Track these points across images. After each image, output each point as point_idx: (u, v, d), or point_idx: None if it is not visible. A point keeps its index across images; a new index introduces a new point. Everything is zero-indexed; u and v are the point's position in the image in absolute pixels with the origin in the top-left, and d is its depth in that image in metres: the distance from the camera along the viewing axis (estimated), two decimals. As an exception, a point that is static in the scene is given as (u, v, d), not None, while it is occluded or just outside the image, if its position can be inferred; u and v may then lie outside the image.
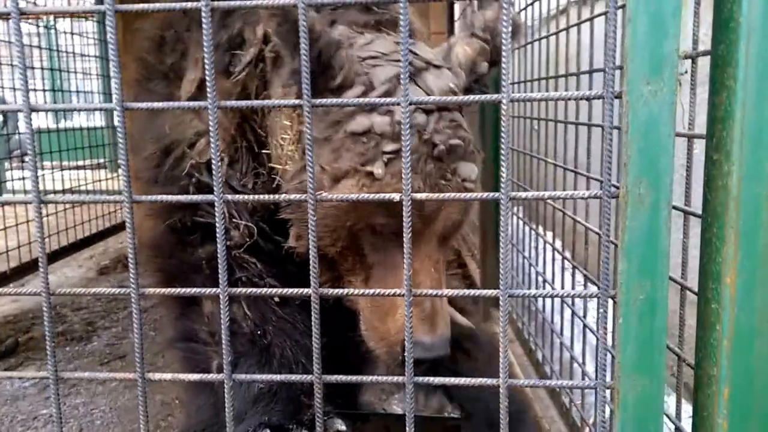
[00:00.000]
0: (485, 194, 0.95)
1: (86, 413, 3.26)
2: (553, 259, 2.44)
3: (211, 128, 0.86)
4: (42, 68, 6.20)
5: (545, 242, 2.43)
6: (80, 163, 6.58)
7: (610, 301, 0.93)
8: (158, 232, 1.66)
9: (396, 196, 0.90)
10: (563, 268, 2.33)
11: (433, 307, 1.34)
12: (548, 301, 2.65)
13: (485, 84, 1.46)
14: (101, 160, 7.20)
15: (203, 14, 0.85)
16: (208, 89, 0.85)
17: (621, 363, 0.92)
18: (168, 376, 1.04)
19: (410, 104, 0.86)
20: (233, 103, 0.92)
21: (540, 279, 2.53)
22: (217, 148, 0.87)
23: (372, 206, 1.30)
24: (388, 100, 1.14)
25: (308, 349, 1.38)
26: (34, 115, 0.92)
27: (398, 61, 1.32)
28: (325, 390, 1.44)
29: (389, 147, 1.28)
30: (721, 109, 0.91)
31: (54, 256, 4.88)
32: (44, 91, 6.33)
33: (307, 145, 0.89)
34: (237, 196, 0.93)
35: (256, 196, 0.99)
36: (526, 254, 2.73)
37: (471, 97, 0.93)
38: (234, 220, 1.54)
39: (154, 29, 1.77)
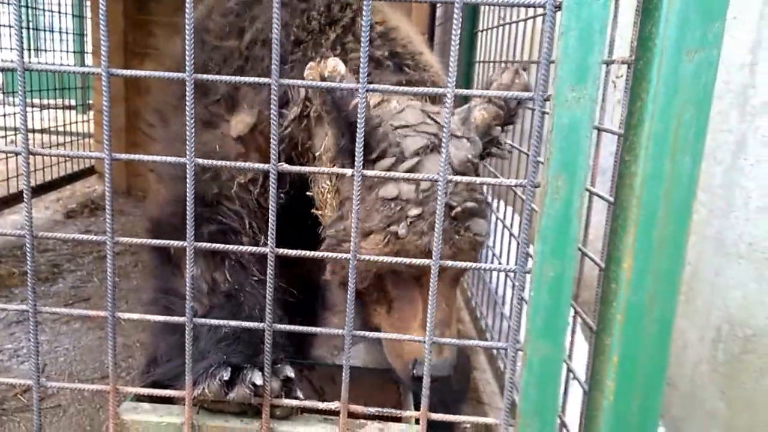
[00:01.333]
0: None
1: (50, 350, 3.37)
2: (510, 234, 2.59)
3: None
4: (8, 2, 6.10)
5: (497, 218, 2.58)
6: (50, 102, 6.54)
7: (528, 276, 1.07)
8: (173, 217, 1.79)
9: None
10: (518, 244, 2.48)
11: (441, 334, 1.50)
12: (495, 273, 2.81)
13: (499, 143, 1.63)
14: (71, 102, 7.14)
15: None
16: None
17: (529, 330, 1.06)
18: (136, 316, 1.16)
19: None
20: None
21: (492, 252, 2.69)
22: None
23: (396, 256, 1.46)
24: (423, 176, 1.39)
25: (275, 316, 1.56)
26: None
27: (425, 132, 1.51)
28: (282, 342, 1.59)
29: (413, 212, 1.46)
30: (635, 116, 1.04)
31: (19, 197, 4.91)
32: (9, 27, 6.23)
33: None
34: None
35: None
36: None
37: (418, 90, 1.04)
38: (255, 236, 1.77)
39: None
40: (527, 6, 1.04)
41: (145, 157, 1.08)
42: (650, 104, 1.00)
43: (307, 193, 1.69)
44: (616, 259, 1.07)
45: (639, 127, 1.03)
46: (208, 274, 1.72)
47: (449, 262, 1.14)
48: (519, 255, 1.05)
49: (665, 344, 1.07)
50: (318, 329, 1.20)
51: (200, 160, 1.03)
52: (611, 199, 1.12)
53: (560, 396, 1.21)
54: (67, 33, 7.02)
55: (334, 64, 1.34)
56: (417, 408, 1.27)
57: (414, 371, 1.50)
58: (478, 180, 1.08)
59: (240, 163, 1.06)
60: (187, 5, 0.96)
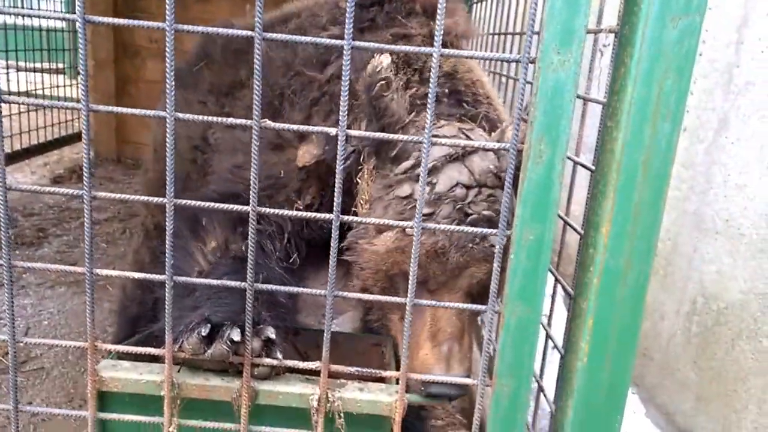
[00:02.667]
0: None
1: (34, 314, 3.36)
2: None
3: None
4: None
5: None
6: (37, 65, 6.43)
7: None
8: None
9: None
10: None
11: (450, 349, 1.50)
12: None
13: None
14: (60, 65, 7.02)
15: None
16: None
17: (508, 292, 1.08)
18: (115, 272, 1.16)
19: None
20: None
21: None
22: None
23: (404, 256, 1.52)
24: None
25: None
26: None
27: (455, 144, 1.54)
28: (269, 309, 1.60)
29: (424, 210, 1.44)
30: (618, 82, 1.05)
31: (6, 160, 4.84)
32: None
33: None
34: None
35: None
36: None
37: (402, 47, 1.04)
38: (288, 253, 1.84)
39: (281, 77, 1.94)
40: (506, 61, 1.03)
41: (124, 110, 1.07)
42: (633, 69, 1.01)
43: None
44: (595, 224, 1.09)
45: (622, 93, 1.04)
46: (222, 240, 1.76)
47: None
48: (501, 219, 1.06)
49: (639, 308, 1.09)
50: (300, 289, 1.20)
51: (181, 114, 1.03)
52: (593, 167, 1.13)
53: (537, 358, 1.23)
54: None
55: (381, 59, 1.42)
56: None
57: (423, 387, 1.45)
58: (463, 143, 1.08)
59: (220, 119, 1.05)
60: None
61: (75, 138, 6.18)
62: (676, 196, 2.18)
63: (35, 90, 6.25)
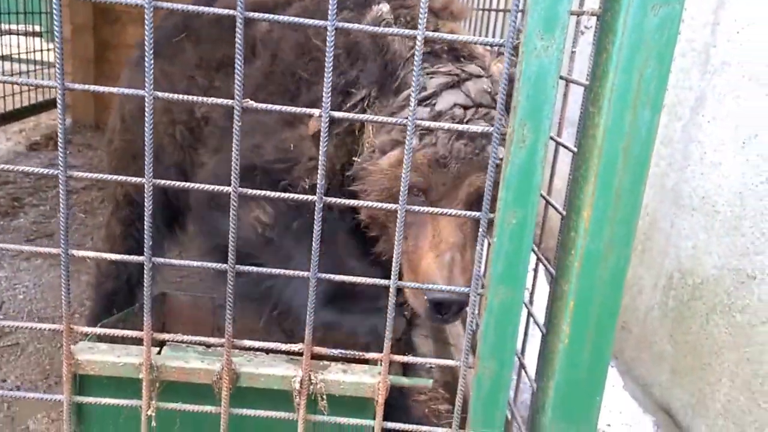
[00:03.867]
0: (391, 119, 1.08)
1: (9, 287, 3.31)
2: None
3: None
4: None
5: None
6: (13, 27, 6.25)
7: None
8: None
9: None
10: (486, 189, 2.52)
11: (453, 258, 1.53)
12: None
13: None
14: (36, 28, 6.82)
15: None
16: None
17: (491, 274, 1.09)
18: (90, 253, 1.15)
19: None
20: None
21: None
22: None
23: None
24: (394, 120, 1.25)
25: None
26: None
27: (451, 74, 1.62)
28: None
29: (424, 125, 1.48)
30: (600, 68, 1.05)
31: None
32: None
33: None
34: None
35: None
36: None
37: (386, 30, 1.04)
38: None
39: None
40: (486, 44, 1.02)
41: (101, 88, 1.05)
42: (615, 56, 1.02)
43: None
44: (577, 207, 1.10)
45: (603, 79, 1.04)
46: (262, 213, 1.80)
47: (416, 207, 1.15)
48: (484, 202, 1.07)
49: (618, 290, 1.11)
50: (282, 270, 1.20)
51: (161, 93, 1.01)
52: (575, 149, 1.14)
53: (519, 339, 1.25)
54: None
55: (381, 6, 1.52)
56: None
57: (427, 297, 1.49)
58: (447, 126, 1.08)
59: (202, 98, 1.04)
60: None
61: (52, 104, 6.04)
62: (655, 173, 2.21)
63: (11, 54, 6.07)
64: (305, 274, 1.13)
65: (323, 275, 1.17)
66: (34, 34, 6.72)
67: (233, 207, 1.08)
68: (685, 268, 2.06)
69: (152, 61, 1.00)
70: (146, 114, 1.03)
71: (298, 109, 1.07)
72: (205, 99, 1.06)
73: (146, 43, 0.99)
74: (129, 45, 6.14)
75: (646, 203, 2.27)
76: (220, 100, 1.05)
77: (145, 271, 1.12)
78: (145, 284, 1.13)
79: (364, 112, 1.72)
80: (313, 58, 1.89)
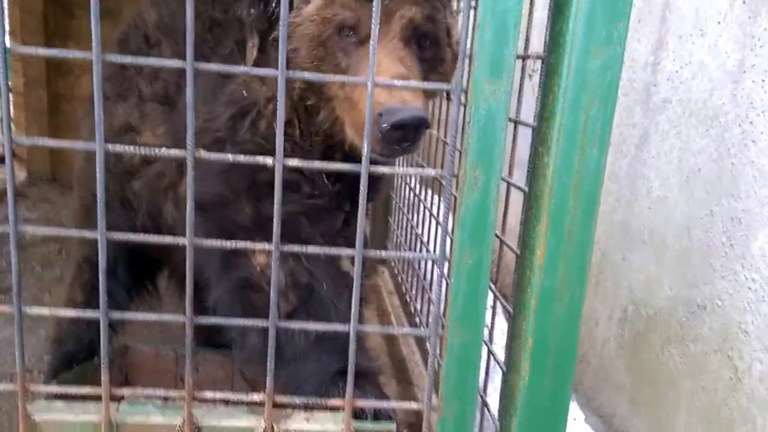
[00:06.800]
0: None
1: (-36, 343, 3.17)
2: (437, 223, 2.64)
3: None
4: None
5: (425, 207, 2.63)
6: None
7: (447, 263, 1.11)
8: (228, 189, 1.70)
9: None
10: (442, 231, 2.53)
11: (401, 89, 1.40)
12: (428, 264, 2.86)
13: None
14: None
15: None
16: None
17: (450, 315, 1.10)
18: (46, 310, 1.12)
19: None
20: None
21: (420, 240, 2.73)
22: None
23: (333, 8, 1.51)
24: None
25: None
26: None
27: None
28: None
29: None
30: (547, 109, 1.09)
31: None
32: None
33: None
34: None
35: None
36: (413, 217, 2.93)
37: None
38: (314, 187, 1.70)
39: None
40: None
41: (52, 143, 1.03)
42: (561, 98, 1.05)
43: None
44: (530, 246, 1.12)
45: (551, 120, 1.08)
46: (285, 263, 1.62)
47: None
48: (441, 243, 1.08)
49: (575, 326, 1.13)
50: (243, 320, 1.18)
51: (110, 146, 1.00)
52: (526, 189, 1.17)
53: (481, 378, 1.26)
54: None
55: None
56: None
57: (383, 124, 1.36)
58: (401, 171, 1.10)
59: (155, 150, 1.03)
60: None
61: (2, 159, 5.91)
62: (604, 209, 2.28)
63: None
64: (263, 323, 1.12)
65: (285, 324, 1.16)
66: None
67: (191, 171, 1.07)
68: (639, 300, 2.11)
69: (101, 114, 0.99)
70: (98, 169, 1.02)
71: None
72: (157, 151, 1.06)
73: (95, 97, 0.99)
74: (83, 97, 6.09)
75: (597, 238, 2.33)
76: (172, 151, 1.04)
77: (101, 326, 1.09)
78: (101, 339, 1.10)
79: None
80: None
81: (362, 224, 1.05)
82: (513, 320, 1.18)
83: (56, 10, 6.08)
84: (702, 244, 1.86)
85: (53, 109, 6.16)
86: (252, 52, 1.68)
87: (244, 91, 1.75)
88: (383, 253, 1.15)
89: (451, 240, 1.10)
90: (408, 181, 3.36)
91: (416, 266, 2.75)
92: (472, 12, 1.08)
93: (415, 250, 2.75)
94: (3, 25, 0.95)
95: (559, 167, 1.07)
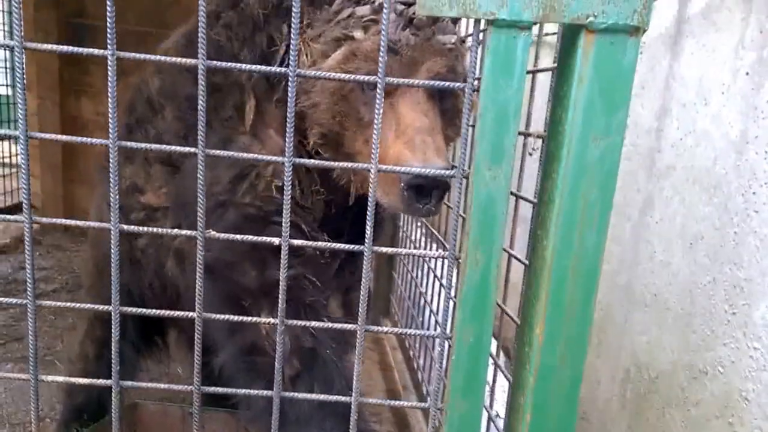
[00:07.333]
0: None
1: (-20, 392, 3.19)
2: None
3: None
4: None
5: (429, 268, 2.67)
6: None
7: (447, 342, 1.14)
8: (231, 253, 1.72)
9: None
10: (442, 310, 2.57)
11: (424, 141, 1.42)
12: (431, 318, 2.90)
13: None
14: (7, 131, 6.96)
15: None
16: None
17: (450, 388, 1.13)
18: (60, 378, 1.16)
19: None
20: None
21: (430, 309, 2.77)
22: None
23: (355, 63, 1.52)
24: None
25: None
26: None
27: None
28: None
29: (367, 15, 1.52)
30: (547, 193, 1.13)
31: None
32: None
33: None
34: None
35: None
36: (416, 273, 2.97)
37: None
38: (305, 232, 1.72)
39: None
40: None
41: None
42: (560, 183, 1.10)
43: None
44: (530, 323, 1.16)
45: (550, 204, 1.12)
46: (289, 328, 1.61)
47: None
48: (441, 321, 1.12)
49: (573, 404, 1.15)
50: (245, 391, 1.21)
51: (126, 226, 1.05)
52: (527, 262, 1.21)
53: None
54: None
55: None
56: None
57: (402, 183, 1.37)
58: (403, 251, 1.14)
59: (167, 231, 1.08)
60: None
61: (19, 208, 6.04)
62: (607, 270, 2.30)
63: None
64: (268, 393, 1.15)
65: (287, 394, 1.19)
66: (5, 138, 6.81)
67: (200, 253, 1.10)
68: (641, 361, 2.12)
69: (117, 201, 1.04)
70: (112, 247, 1.06)
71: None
72: (169, 231, 1.10)
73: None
74: (97, 152, 6.27)
75: (600, 298, 2.35)
76: (184, 231, 1.09)
77: (113, 394, 1.13)
78: (113, 407, 1.14)
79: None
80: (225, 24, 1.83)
81: (364, 302, 1.09)
82: (512, 393, 1.21)
83: (71, 65, 6.28)
84: (704, 310, 1.87)
85: (67, 162, 6.37)
86: (250, 115, 1.74)
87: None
88: (385, 329, 1.18)
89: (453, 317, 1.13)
90: (409, 234, 3.40)
91: (418, 324, 2.78)
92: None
93: (417, 305, 2.78)
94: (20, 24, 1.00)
95: (558, 249, 1.10)
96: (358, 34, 1.53)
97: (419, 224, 3.52)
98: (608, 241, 2.33)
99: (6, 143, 6.89)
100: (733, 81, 1.81)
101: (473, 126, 1.10)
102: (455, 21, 1.64)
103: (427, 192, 1.40)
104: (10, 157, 6.48)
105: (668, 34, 2.06)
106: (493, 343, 1.75)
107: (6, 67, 6.82)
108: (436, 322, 2.70)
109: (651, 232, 2.10)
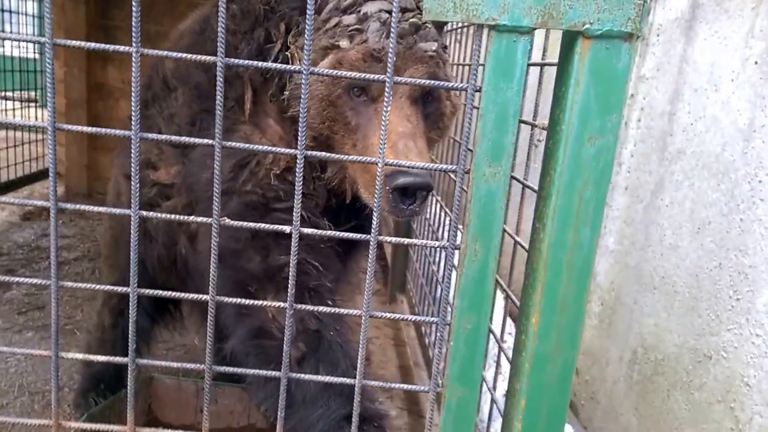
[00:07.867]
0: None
1: (1, 360, 3.34)
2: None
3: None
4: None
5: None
6: (8, 94, 6.46)
7: (447, 328, 1.20)
8: (235, 240, 1.78)
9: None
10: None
11: (406, 146, 1.50)
12: (442, 296, 2.95)
13: None
14: (33, 95, 7.07)
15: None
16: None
17: (448, 374, 1.19)
18: (80, 356, 1.24)
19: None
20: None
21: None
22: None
23: (342, 68, 1.58)
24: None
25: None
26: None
27: None
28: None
29: (353, 25, 1.59)
30: (545, 189, 1.17)
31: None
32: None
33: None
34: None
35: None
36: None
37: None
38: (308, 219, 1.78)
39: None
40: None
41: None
42: (557, 180, 1.13)
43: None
44: (527, 314, 1.20)
45: (548, 200, 1.15)
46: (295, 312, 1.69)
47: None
48: (440, 311, 1.17)
49: (565, 390, 1.20)
50: (256, 371, 1.29)
51: (144, 213, 1.11)
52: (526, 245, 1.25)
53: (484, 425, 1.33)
54: (25, 15, 6.94)
55: None
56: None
57: (387, 186, 1.43)
58: (406, 241, 1.20)
59: (184, 218, 1.14)
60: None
61: (46, 174, 6.19)
62: (619, 250, 2.33)
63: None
64: (275, 374, 1.22)
65: (293, 375, 1.26)
66: (30, 101, 6.93)
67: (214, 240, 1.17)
68: (648, 344, 2.16)
69: (137, 184, 1.11)
70: (132, 231, 1.13)
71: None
72: (185, 218, 1.16)
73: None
74: (121, 119, 6.38)
75: (611, 279, 2.38)
76: (199, 219, 1.15)
77: (129, 372, 1.21)
78: (128, 384, 1.22)
79: (288, 47, 1.74)
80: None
81: (369, 301, 1.15)
82: (510, 380, 1.26)
83: (98, 33, 6.37)
84: (710, 295, 1.90)
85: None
86: (248, 104, 1.81)
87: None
88: (388, 315, 1.24)
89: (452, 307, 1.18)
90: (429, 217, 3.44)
91: (431, 301, 2.84)
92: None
93: (430, 282, 2.84)
94: (51, 25, 1.06)
95: (554, 243, 1.15)
96: (343, 43, 1.60)
97: (438, 197, 3.56)
98: (621, 221, 2.36)
99: (35, 108, 6.99)
100: (743, 69, 1.81)
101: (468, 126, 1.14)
102: (439, 29, 1.68)
103: (411, 194, 1.47)
104: (29, 119, 6.63)
105: (684, 18, 2.05)
106: (501, 327, 1.81)
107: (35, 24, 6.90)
108: (439, 308, 2.76)
109: (661, 215, 2.12)
